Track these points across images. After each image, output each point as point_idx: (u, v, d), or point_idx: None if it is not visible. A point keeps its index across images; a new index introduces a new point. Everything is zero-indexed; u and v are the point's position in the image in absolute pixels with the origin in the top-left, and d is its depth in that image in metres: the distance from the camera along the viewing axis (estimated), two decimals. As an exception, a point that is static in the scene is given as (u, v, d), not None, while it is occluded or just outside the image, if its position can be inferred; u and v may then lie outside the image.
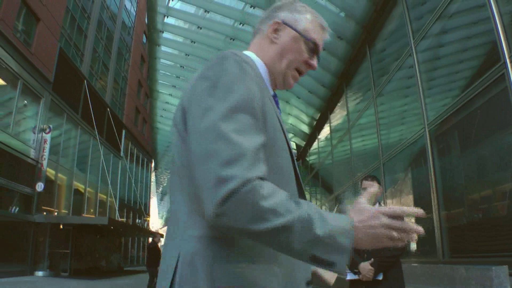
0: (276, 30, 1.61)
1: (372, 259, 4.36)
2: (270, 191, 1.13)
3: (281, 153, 1.39)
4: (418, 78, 10.36)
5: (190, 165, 1.25)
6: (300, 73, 1.68)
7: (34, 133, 20.66)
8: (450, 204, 9.31)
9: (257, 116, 1.26)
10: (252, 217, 1.10)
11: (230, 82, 1.25)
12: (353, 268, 4.47)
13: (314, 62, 1.68)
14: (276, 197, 1.13)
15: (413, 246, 11.26)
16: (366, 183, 4.66)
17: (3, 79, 18.42)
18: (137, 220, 38.40)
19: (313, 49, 1.66)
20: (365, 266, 4.33)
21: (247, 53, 1.56)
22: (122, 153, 34.48)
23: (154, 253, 14.78)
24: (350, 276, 4.53)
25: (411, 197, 11.81)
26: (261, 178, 1.14)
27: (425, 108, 10.12)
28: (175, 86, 25.19)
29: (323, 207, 23.81)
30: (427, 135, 9.86)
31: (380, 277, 4.34)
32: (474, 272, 6.52)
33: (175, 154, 1.35)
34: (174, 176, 1.36)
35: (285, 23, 1.61)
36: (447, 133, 9.37)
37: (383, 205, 4.77)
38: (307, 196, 21.59)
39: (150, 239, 19.80)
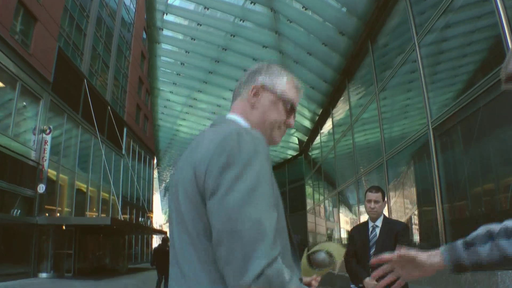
0: (255, 94, 1.71)
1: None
2: (290, 275, 1.27)
3: (282, 214, 1.50)
4: (421, 73, 10.19)
5: (209, 238, 1.34)
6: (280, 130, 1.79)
7: (35, 134, 20.53)
8: (454, 201, 9.19)
9: (271, 191, 1.41)
10: None
11: (247, 160, 1.33)
12: (358, 282, 4.35)
13: (292, 121, 1.83)
14: (294, 282, 1.28)
15: (416, 241, 11.18)
16: (371, 195, 4.48)
17: (1, 81, 18.28)
18: (140, 218, 38.29)
19: (291, 109, 1.81)
20: (371, 281, 4.13)
21: (234, 117, 1.68)
22: (123, 151, 34.36)
23: (163, 257, 14.35)
24: None
25: (414, 193, 11.69)
26: (279, 254, 1.27)
27: (428, 104, 9.97)
28: (175, 84, 25.03)
29: (327, 201, 23.73)
30: (431, 133, 9.71)
31: None
32: (479, 276, 6.41)
33: (188, 222, 1.39)
34: (188, 244, 1.40)
35: (264, 87, 1.72)
36: (450, 130, 9.22)
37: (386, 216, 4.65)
38: (310, 190, 21.74)
39: (155, 241, 19.65)
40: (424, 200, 11.00)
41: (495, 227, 1.65)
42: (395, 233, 4.28)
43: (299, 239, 4.63)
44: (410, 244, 4.52)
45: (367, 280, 4.17)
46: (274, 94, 1.73)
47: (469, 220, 8.58)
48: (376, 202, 4.42)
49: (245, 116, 1.69)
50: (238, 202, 1.26)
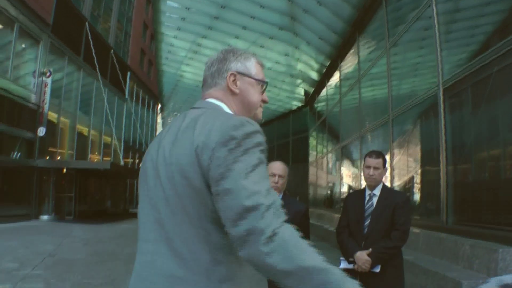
0: (234, 81, 1.77)
1: (370, 249, 3.82)
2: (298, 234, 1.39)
3: None
4: (436, 31, 9.73)
5: (212, 221, 1.43)
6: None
7: (34, 77, 20.15)
8: (459, 164, 8.99)
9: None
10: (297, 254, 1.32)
11: (252, 146, 1.44)
12: (348, 256, 3.99)
13: (266, 97, 1.94)
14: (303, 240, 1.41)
15: (416, 201, 11.03)
16: (370, 160, 4.03)
17: (-2, 23, 17.81)
18: (140, 164, 38.28)
19: (263, 86, 1.90)
20: (362, 256, 3.82)
21: (217, 103, 1.73)
22: (127, 96, 34.00)
23: None
24: (343, 265, 4.01)
25: (418, 152, 11.43)
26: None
27: (441, 64, 9.56)
28: (179, 28, 24.45)
29: (330, 155, 23.58)
30: (441, 93, 9.34)
31: (378, 270, 3.82)
32: (479, 251, 6.18)
33: (188, 205, 1.45)
34: (179, 220, 1.46)
35: (239, 73, 1.79)
36: (461, 92, 8.88)
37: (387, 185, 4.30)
38: (314, 143, 21.52)
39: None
40: (428, 161, 10.76)
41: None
42: (394, 204, 3.87)
43: (304, 208, 3.74)
44: (409, 219, 4.06)
45: (358, 254, 3.85)
46: (249, 77, 1.81)
47: (472, 184, 8.39)
48: (375, 168, 3.98)
49: (226, 102, 1.75)
50: (247, 182, 1.36)
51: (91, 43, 24.78)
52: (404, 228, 3.85)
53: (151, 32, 38.02)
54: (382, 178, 4.09)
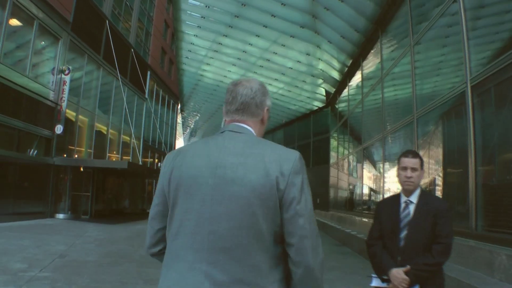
0: (265, 114, 2.11)
1: (408, 266, 3.26)
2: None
3: None
4: (463, 27, 9.28)
5: (277, 231, 1.79)
6: None
7: (53, 74, 20.03)
8: (489, 165, 8.50)
9: None
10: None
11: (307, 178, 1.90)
12: (382, 273, 3.42)
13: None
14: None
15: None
16: (407, 161, 3.49)
17: (18, 20, 17.66)
18: (159, 164, 38.01)
19: None
20: (398, 275, 3.25)
21: (251, 130, 2.03)
22: (147, 95, 33.85)
23: None
24: (376, 283, 3.47)
25: (445, 153, 10.94)
26: None
27: (468, 60, 9.11)
28: (200, 27, 24.22)
29: (351, 157, 23.14)
30: (469, 90, 8.87)
31: None
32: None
33: (266, 214, 1.75)
34: (244, 235, 1.73)
35: (268, 108, 2.12)
36: (491, 89, 8.37)
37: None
38: (335, 144, 21.16)
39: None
40: (455, 162, 10.32)
41: None
42: (435, 213, 3.31)
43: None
44: (452, 230, 3.40)
45: (394, 272, 3.29)
46: (269, 110, 2.14)
47: (503, 187, 7.90)
48: (413, 170, 3.44)
49: (255, 129, 2.05)
50: (312, 209, 1.83)
51: (111, 41, 24.65)
52: (447, 241, 3.29)
53: (172, 31, 37.90)
54: (420, 181, 3.54)
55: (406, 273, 3.24)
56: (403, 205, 3.49)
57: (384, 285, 3.39)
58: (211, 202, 1.77)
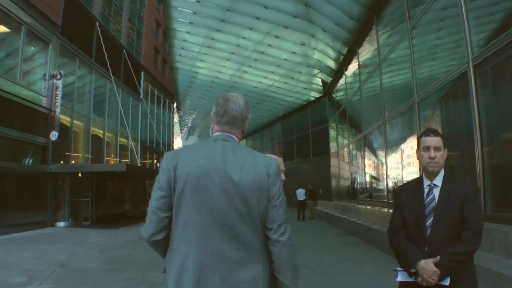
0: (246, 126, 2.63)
1: (438, 257, 2.88)
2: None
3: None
4: (462, 6, 8.99)
5: (264, 219, 2.29)
6: None
7: (45, 80, 19.68)
8: (497, 145, 8.28)
9: None
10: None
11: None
12: (409, 266, 3.03)
13: None
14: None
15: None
16: (429, 140, 3.09)
17: (6, 26, 17.31)
18: (158, 164, 37.69)
19: None
20: (428, 267, 2.89)
21: (236, 139, 2.51)
22: (141, 96, 33.52)
23: None
24: (402, 277, 3.10)
25: (449, 135, 10.66)
26: None
27: (469, 39, 8.87)
28: (192, 23, 23.92)
29: (351, 145, 22.91)
30: (471, 70, 8.62)
31: (447, 283, 2.89)
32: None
33: (259, 206, 2.27)
34: (244, 222, 2.23)
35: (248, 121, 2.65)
36: (494, 67, 8.15)
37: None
38: (334, 133, 20.96)
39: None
40: (460, 143, 10.06)
41: None
42: (463, 197, 2.97)
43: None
44: (481, 215, 3.07)
45: (423, 264, 2.92)
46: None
47: (511, 166, 7.65)
48: (437, 149, 3.07)
49: (238, 138, 2.52)
50: (285, 201, 2.36)
51: (103, 43, 24.29)
52: (477, 227, 2.94)
53: (164, 29, 37.57)
54: (443, 162, 3.14)
55: (435, 264, 2.89)
56: (426, 189, 3.13)
57: (412, 279, 3.03)
58: (218, 198, 2.23)
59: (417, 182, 3.22)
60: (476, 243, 2.92)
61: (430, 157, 3.07)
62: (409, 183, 3.37)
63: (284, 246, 2.29)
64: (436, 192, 3.08)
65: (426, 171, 3.14)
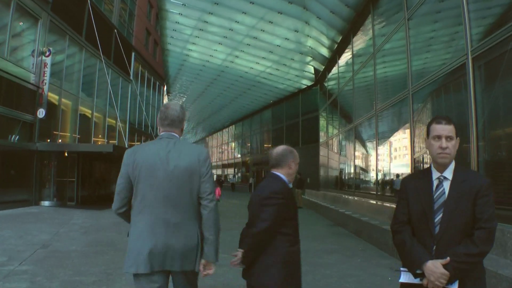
0: (183, 126, 3.68)
1: (448, 258, 2.62)
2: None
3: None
4: (462, -5, 8.82)
5: (198, 191, 3.26)
6: None
7: (33, 56, 19.24)
8: (492, 141, 8.13)
9: None
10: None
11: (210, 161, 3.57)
12: (414, 266, 2.75)
13: None
14: None
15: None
16: (440, 128, 2.83)
17: (-6, -1, 16.87)
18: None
19: None
20: (436, 268, 2.62)
21: (178, 136, 3.51)
22: (131, 77, 33.09)
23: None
24: (405, 278, 2.84)
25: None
26: None
27: (469, 31, 8.68)
28: (185, 5, 23.54)
29: (341, 135, 22.77)
30: (470, 62, 8.46)
31: (455, 287, 2.62)
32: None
33: (193, 183, 3.22)
34: (184, 191, 3.21)
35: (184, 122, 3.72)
36: (494, 60, 7.98)
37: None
38: (324, 123, 20.82)
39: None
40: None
41: None
42: (475, 192, 2.70)
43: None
44: (494, 212, 2.73)
45: (430, 264, 2.65)
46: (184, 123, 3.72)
47: (507, 162, 7.54)
48: (448, 138, 2.80)
49: (179, 135, 3.50)
50: (212, 177, 3.28)
51: (94, 22, 23.82)
52: (491, 226, 2.66)
53: (156, 11, 37.05)
54: (455, 152, 2.86)
55: (444, 266, 2.62)
56: (435, 182, 2.86)
57: (417, 280, 2.75)
58: (165, 180, 3.20)
59: (425, 174, 2.95)
60: (490, 243, 2.65)
61: (441, 147, 2.80)
62: (416, 174, 3.13)
63: (212, 211, 3.28)
64: (446, 185, 2.81)
65: (436, 162, 2.86)
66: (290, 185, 3.63)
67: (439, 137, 2.81)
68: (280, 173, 3.61)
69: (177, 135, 3.43)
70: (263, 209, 3.35)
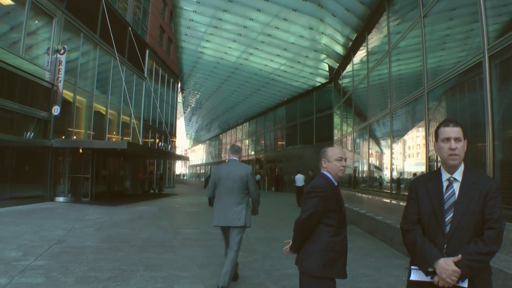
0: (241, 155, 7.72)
1: (460, 256, 2.66)
2: None
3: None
4: (479, -7, 8.68)
5: (247, 186, 6.94)
6: None
7: (48, 54, 19.41)
8: (508, 143, 8.01)
9: None
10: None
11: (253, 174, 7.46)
12: (426, 264, 2.79)
13: None
14: None
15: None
16: (449, 131, 2.91)
17: (10, -1, 17.03)
18: (160, 144, 37.42)
19: None
20: (448, 266, 2.66)
21: (237, 159, 7.44)
22: (146, 74, 33.21)
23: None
24: (416, 276, 2.85)
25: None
26: None
27: (485, 29, 8.54)
28: (199, 2, 23.52)
29: (356, 133, 22.65)
30: (486, 60, 8.34)
31: (465, 284, 2.66)
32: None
33: (242, 184, 6.81)
34: (238, 186, 6.77)
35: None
36: (510, 60, 7.85)
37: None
38: (338, 121, 20.73)
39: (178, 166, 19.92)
40: (470, 137, 9.75)
41: None
42: (485, 193, 2.75)
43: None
44: (503, 213, 2.78)
45: (442, 262, 2.69)
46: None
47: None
48: (457, 140, 2.87)
49: (239, 159, 7.35)
50: (255, 183, 7.07)
51: (108, 20, 23.95)
52: (500, 226, 2.70)
53: (170, 9, 37.15)
54: (464, 154, 2.95)
55: (456, 263, 2.66)
56: (445, 183, 2.91)
57: (427, 278, 2.78)
58: (229, 182, 6.75)
59: (435, 175, 3.01)
60: (499, 243, 2.69)
61: (450, 149, 2.87)
62: (426, 175, 3.14)
63: (256, 195, 6.91)
64: (456, 186, 2.87)
65: (446, 164, 2.92)
66: (335, 183, 3.88)
67: (448, 139, 2.89)
68: (324, 171, 3.91)
69: (236, 159, 6.98)
70: (305, 201, 3.69)
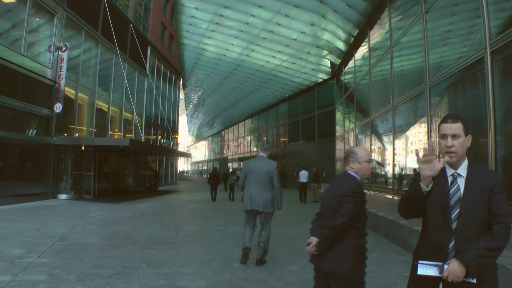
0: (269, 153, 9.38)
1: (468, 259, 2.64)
2: None
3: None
4: (482, -12, 8.67)
5: (271, 179, 8.26)
6: None
7: (50, 51, 19.41)
8: (510, 138, 7.98)
9: None
10: None
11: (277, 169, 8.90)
12: (436, 257, 2.78)
13: None
14: None
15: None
16: (446, 127, 2.85)
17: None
18: (162, 140, 37.45)
19: None
20: (459, 271, 2.63)
21: (265, 156, 8.91)
22: (147, 71, 33.22)
23: (214, 178, 25.02)
24: (423, 271, 2.81)
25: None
26: None
27: (487, 24, 8.55)
28: (200, -1, 23.53)
29: (358, 129, 22.64)
30: (488, 56, 8.35)
31: (474, 280, 2.64)
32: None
33: (269, 176, 8.16)
34: (265, 178, 8.10)
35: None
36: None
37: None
38: (340, 117, 20.70)
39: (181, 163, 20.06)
40: (473, 132, 9.71)
41: None
42: (490, 188, 2.71)
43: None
44: (509, 208, 2.74)
45: (456, 265, 2.66)
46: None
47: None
48: (454, 137, 2.80)
49: (266, 156, 8.77)
50: (278, 176, 8.52)
51: (109, 17, 23.94)
52: (507, 221, 2.66)
53: (172, 5, 37.10)
54: (464, 150, 2.87)
55: (465, 261, 2.63)
56: (450, 178, 2.86)
57: (434, 273, 2.76)
58: (258, 174, 8.09)
59: (440, 170, 2.86)
60: (507, 238, 2.65)
61: (446, 146, 2.83)
62: None
63: (279, 188, 8.14)
64: (461, 182, 2.81)
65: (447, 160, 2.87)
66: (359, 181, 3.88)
67: (444, 136, 2.85)
68: (351, 171, 3.85)
69: (265, 156, 8.28)
70: (342, 205, 3.59)
